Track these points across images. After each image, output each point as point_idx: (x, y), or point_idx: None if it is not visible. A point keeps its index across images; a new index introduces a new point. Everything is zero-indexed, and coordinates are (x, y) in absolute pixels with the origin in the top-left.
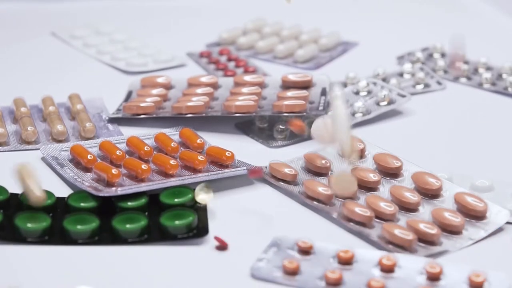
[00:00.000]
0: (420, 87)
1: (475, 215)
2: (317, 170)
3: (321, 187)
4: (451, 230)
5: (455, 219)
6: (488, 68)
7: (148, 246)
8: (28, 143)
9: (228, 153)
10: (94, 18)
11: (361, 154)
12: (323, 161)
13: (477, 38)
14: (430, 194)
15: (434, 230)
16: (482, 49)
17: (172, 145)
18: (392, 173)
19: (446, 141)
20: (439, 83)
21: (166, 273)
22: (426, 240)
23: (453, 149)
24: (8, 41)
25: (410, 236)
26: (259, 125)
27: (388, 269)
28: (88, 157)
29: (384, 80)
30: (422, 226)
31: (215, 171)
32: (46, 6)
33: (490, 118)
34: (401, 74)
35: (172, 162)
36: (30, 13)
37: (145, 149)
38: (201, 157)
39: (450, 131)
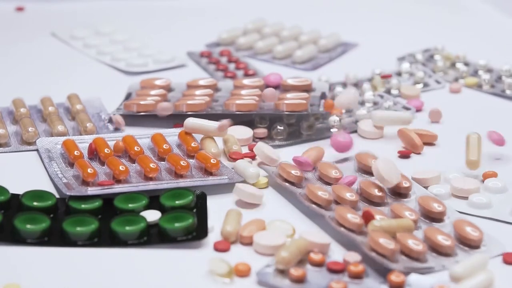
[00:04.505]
0: (419, 86)
1: (469, 244)
2: (328, 181)
3: (320, 191)
4: (440, 251)
5: (446, 241)
6: (489, 70)
7: (148, 248)
8: (29, 144)
9: (213, 160)
10: (94, 18)
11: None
12: (334, 171)
13: (477, 39)
14: (432, 217)
15: (420, 246)
16: (482, 49)
17: (164, 146)
18: (399, 193)
19: (445, 142)
20: (438, 82)
21: (165, 275)
22: (409, 255)
23: (451, 150)
24: (8, 41)
25: (392, 245)
26: (260, 126)
27: (396, 286)
28: (75, 153)
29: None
30: (410, 242)
31: (198, 177)
32: (46, 6)
33: (488, 120)
34: (399, 74)
35: (152, 165)
36: (30, 13)
37: (135, 149)
38: (183, 162)
39: (448, 132)
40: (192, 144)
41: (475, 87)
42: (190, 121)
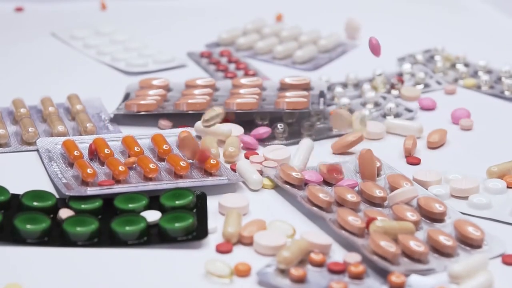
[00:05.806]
0: (420, 87)
1: (471, 244)
2: (328, 180)
3: (321, 194)
4: (442, 252)
5: (447, 242)
6: (488, 71)
7: (148, 248)
8: (29, 144)
9: (213, 161)
10: (94, 18)
11: (378, 173)
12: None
13: (477, 39)
14: (433, 218)
15: (421, 248)
16: (482, 50)
17: (164, 147)
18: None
19: (445, 142)
20: (438, 82)
21: (165, 276)
22: (411, 256)
23: (452, 151)
24: (8, 41)
25: (393, 248)
26: (260, 124)
27: (396, 287)
28: (75, 153)
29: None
30: (412, 244)
31: (197, 178)
32: (46, 6)
33: (486, 121)
34: (400, 74)
35: (152, 165)
36: (30, 13)
37: (135, 149)
38: (183, 163)
39: (449, 133)
40: None
41: (474, 88)
42: (200, 125)
